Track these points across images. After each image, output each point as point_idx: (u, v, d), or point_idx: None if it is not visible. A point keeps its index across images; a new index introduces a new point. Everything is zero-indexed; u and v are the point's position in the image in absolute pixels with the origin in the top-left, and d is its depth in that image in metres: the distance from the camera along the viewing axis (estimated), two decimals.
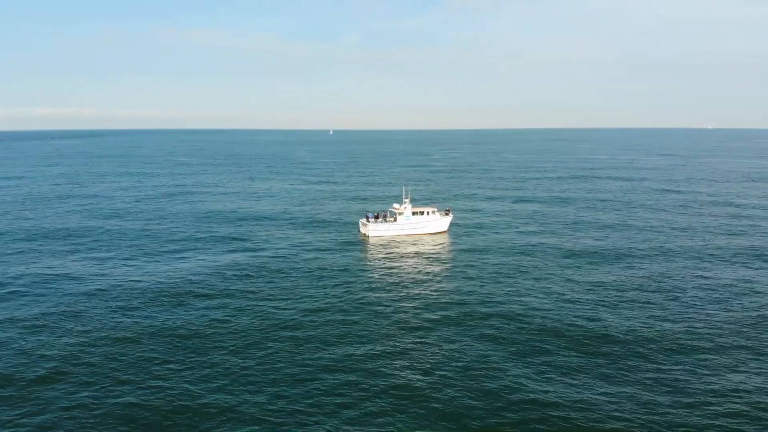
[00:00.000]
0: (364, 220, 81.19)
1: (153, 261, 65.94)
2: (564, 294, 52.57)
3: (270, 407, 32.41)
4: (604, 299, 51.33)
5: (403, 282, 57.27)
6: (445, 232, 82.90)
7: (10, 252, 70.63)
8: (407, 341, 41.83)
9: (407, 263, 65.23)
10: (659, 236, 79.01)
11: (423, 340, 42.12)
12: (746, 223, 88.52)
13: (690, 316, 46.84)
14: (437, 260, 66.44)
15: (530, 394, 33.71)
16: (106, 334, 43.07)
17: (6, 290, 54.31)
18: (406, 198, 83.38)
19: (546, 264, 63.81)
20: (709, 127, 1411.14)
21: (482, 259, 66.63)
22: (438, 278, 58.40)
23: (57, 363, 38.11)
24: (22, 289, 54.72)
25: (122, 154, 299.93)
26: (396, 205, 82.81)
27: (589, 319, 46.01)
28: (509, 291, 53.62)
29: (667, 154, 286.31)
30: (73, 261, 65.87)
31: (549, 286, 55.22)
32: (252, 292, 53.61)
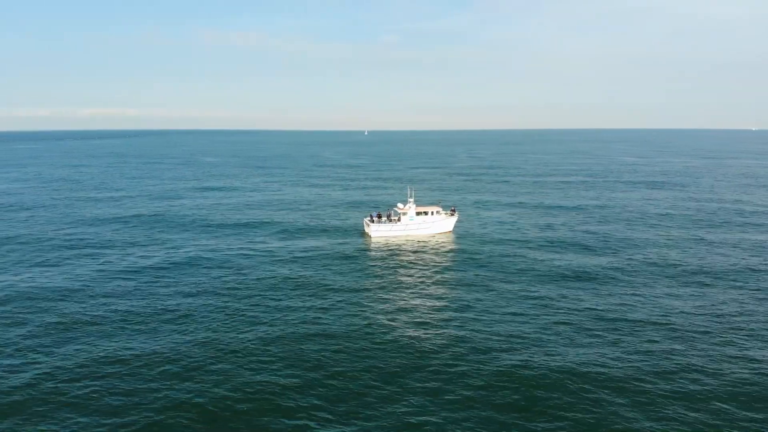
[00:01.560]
0: (367, 220, 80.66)
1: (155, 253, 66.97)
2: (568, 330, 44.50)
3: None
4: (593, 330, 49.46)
5: (398, 288, 54.85)
6: (450, 232, 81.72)
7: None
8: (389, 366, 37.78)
9: (406, 267, 62.79)
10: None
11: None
12: None
13: None
14: (436, 265, 63.78)
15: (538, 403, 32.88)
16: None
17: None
18: (411, 198, 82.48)
19: (552, 282, 56.27)
20: (753, 129, 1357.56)
21: (486, 265, 63.48)
22: (435, 286, 55.45)
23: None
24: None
25: (152, 154, 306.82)
26: (400, 205, 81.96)
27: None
28: (512, 311, 47.71)
29: (709, 157, 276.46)
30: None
31: (551, 313, 47.55)
32: (233, 289, 53.86)
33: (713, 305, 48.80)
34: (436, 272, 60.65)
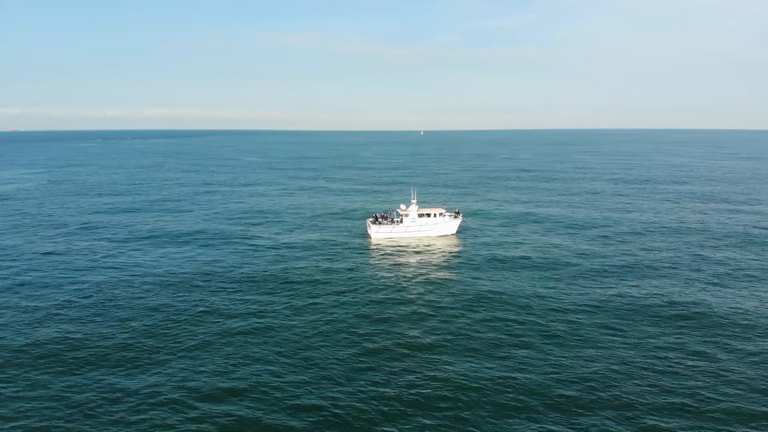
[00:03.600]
0: (370, 221, 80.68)
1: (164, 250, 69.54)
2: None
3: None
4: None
5: (391, 291, 54.15)
6: (453, 235, 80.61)
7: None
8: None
9: (403, 270, 61.95)
10: None
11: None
12: None
13: None
14: (435, 269, 62.25)
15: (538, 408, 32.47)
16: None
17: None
18: (414, 199, 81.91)
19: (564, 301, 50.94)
20: None
21: (479, 269, 61.96)
22: (431, 292, 54.07)
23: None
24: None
25: (201, 153, 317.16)
26: (402, 206, 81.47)
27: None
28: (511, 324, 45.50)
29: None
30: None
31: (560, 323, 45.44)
32: (230, 290, 55.19)
33: None
34: (425, 274, 60.01)
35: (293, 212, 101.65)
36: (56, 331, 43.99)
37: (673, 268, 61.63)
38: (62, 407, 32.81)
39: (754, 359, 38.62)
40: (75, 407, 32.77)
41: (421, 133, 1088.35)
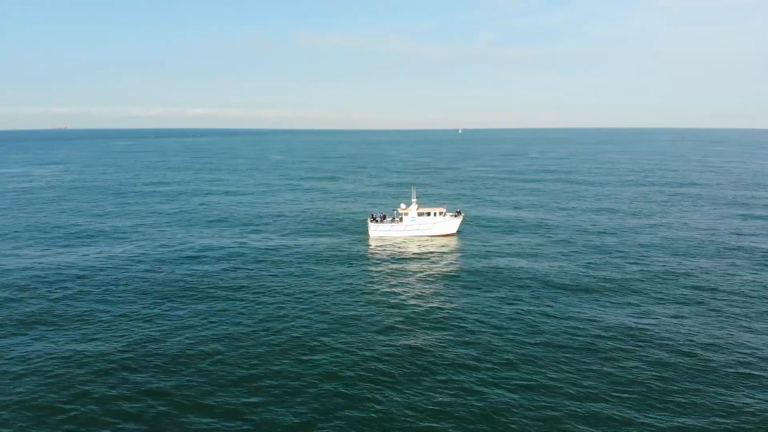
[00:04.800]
0: (370, 219, 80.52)
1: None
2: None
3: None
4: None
5: (382, 292, 53.70)
6: (453, 234, 79.78)
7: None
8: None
9: (397, 269, 61.59)
10: None
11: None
12: None
13: None
14: (431, 269, 61.70)
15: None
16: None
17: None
18: (414, 198, 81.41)
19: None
20: None
21: (475, 270, 61.03)
22: (425, 294, 53.36)
23: None
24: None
25: (228, 152, 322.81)
26: (403, 205, 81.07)
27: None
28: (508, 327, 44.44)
29: None
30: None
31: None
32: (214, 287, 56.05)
33: None
34: (419, 274, 59.72)
35: (293, 212, 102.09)
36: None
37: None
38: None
39: None
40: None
41: (459, 132, 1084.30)
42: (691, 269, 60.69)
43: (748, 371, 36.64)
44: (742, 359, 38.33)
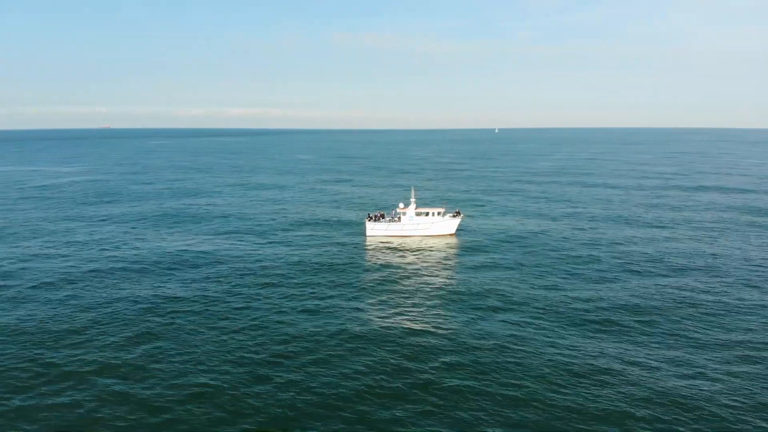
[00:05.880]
0: (367, 219, 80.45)
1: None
2: None
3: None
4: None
5: (373, 291, 53.65)
6: (452, 235, 79.16)
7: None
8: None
9: (391, 269, 61.42)
10: None
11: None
12: None
13: None
14: (423, 268, 61.49)
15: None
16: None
17: None
18: (413, 198, 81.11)
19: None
20: None
21: (469, 271, 60.36)
22: (417, 290, 53.46)
23: None
24: None
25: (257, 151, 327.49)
26: (401, 205, 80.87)
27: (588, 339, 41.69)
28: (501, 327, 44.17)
29: None
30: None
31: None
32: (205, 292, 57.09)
33: None
34: (414, 274, 59.49)
35: (295, 211, 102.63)
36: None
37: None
38: None
39: None
40: None
41: (496, 131, 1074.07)
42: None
43: None
44: None
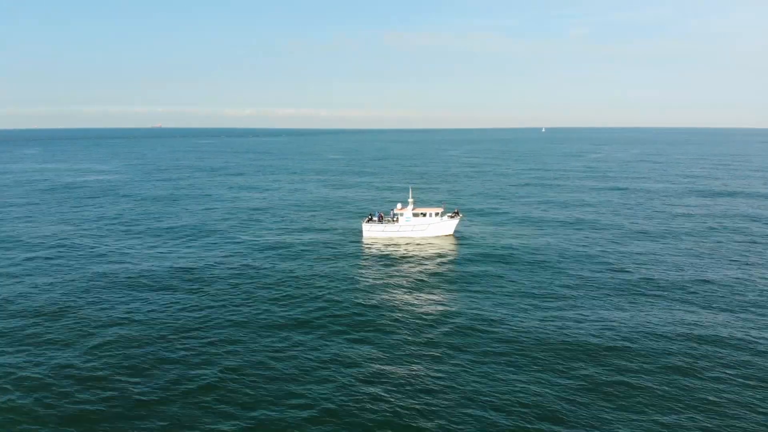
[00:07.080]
0: (364, 220, 79.86)
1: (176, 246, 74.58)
2: None
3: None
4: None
5: (368, 293, 52.66)
6: (450, 235, 77.73)
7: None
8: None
9: (387, 269, 60.80)
10: None
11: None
12: None
13: None
14: (420, 273, 59.80)
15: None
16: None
17: None
18: (410, 198, 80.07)
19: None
20: None
21: (466, 274, 58.98)
22: (412, 289, 52.87)
23: None
24: None
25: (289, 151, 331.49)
26: (399, 205, 79.98)
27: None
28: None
29: None
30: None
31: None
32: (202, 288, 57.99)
33: None
34: (409, 275, 58.75)
35: (295, 210, 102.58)
36: None
37: None
38: None
39: None
40: None
41: (543, 131, 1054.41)
42: None
43: None
44: None
